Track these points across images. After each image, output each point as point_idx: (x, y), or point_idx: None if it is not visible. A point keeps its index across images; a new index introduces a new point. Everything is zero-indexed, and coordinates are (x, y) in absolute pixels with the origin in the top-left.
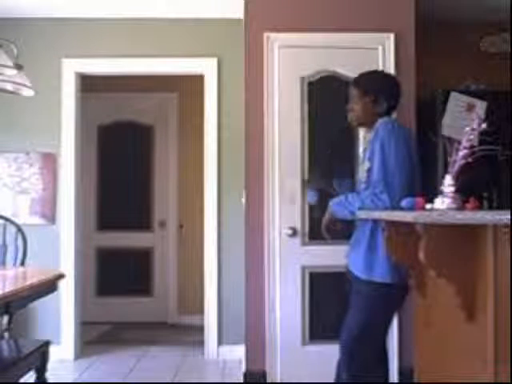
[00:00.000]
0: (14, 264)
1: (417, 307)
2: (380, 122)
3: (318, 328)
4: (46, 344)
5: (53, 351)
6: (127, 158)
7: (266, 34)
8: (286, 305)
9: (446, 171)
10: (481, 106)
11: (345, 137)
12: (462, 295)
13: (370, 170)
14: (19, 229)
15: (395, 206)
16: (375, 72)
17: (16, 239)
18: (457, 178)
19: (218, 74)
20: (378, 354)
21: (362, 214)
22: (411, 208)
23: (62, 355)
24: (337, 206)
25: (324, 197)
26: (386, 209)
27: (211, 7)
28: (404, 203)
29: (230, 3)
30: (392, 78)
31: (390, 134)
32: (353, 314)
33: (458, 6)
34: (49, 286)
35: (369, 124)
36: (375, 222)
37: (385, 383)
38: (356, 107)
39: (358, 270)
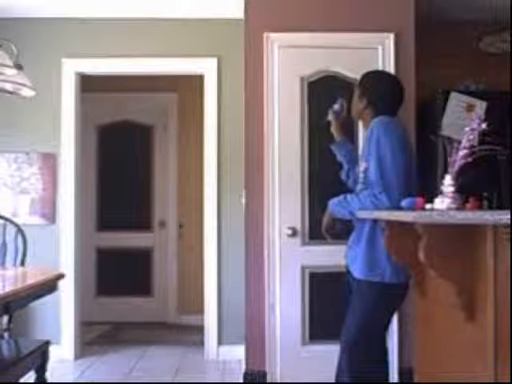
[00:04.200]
0: (14, 264)
1: (417, 307)
2: (375, 121)
3: (318, 328)
4: (46, 344)
5: (53, 351)
6: (127, 158)
7: (265, 34)
8: (286, 305)
9: (445, 171)
10: (481, 106)
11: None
12: (462, 295)
13: (366, 171)
14: (19, 229)
15: (395, 206)
16: (378, 72)
17: (16, 239)
18: (457, 178)
19: (218, 73)
20: (378, 353)
21: (362, 214)
22: (411, 208)
23: (62, 355)
24: (336, 206)
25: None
26: (385, 209)
27: (211, 7)
28: (404, 203)
29: (229, 3)
30: (394, 79)
31: (385, 133)
32: (353, 315)
33: (457, 5)
34: (49, 286)
35: (366, 122)
36: (374, 221)
37: (385, 383)
38: (356, 105)
39: (358, 271)
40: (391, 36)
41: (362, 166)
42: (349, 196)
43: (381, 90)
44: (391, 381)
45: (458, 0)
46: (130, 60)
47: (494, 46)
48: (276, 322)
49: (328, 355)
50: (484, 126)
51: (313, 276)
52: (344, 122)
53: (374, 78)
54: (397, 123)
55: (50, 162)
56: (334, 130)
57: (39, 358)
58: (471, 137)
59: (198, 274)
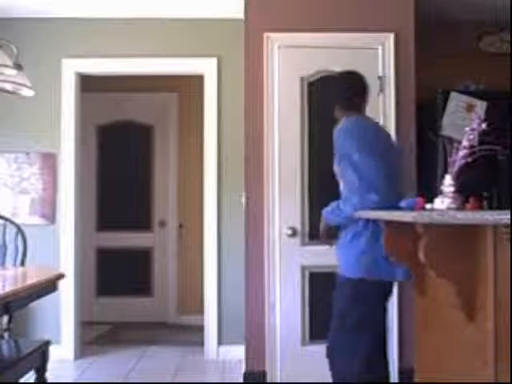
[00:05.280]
0: (14, 264)
1: (417, 307)
2: (342, 121)
3: (318, 328)
4: (46, 344)
5: (53, 351)
6: (127, 158)
7: (265, 34)
8: (285, 305)
9: (445, 171)
10: (481, 106)
11: None
12: (462, 295)
13: (343, 175)
14: (19, 229)
15: (384, 202)
16: (337, 74)
17: (16, 239)
18: (457, 178)
19: (218, 74)
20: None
21: (362, 214)
22: (411, 208)
23: (62, 355)
24: (329, 215)
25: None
26: (376, 206)
27: (211, 7)
28: (404, 203)
29: (229, 3)
30: (350, 76)
31: (347, 133)
32: (334, 312)
33: (457, 5)
34: (49, 286)
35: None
36: (366, 221)
37: (385, 383)
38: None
39: (340, 268)
40: (391, 36)
41: (337, 169)
42: (341, 203)
43: (342, 90)
44: (391, 381)
45: (458, 0)
46: (129, 60)
47: (493, 45)
48: (276, 321)
49: None
50: (484, 126)
51: (313, 276)
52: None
53: (332, 80)
54: (362, 120)
55: (49, 161)
56: None
57: (39, 358)
58: (471, 137)
59: (198, 274)
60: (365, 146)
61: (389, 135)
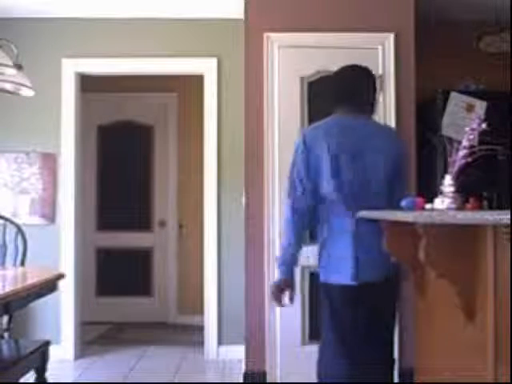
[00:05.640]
0: (14, 264)
1: (417, 307)
2: None
3: (318, 328)
4: (46, 344)
5: (53, 351)
6: (127, 158)
7: (266, 34)
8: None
9: (445, 171)
10: (481, 106)
11: None
12: (462, 295)
13: None
14: (19, 229)
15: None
16: (332, 73)
17: (16, 239)
18: (457, 178)
19: (218, 74)
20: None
21: (364, 215)
22: (411, 208)
23: (62, 355)
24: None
25: None
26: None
27: (211, 7)
28: (404, 203)
29: (229, 3)
30: (335, 75)
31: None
32: None
33: (457, 5)
34: (49, 286)
35: None
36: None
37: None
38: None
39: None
40: (391, 36)
41: None
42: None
43: (334, 87)
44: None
45: (458, 0)
46: (130, 60)
47: (493, 46)
48: (276, 321)
49: None
50: (484, 126)
51: (313, 276)
52: None
53: (328, 79)
54: (321, 124)
55: (50, 162)
56: None
57: (39, 358)
58: (471, 137)
59: (198, 273)
60: (296, 154)
61: (372, 137)
